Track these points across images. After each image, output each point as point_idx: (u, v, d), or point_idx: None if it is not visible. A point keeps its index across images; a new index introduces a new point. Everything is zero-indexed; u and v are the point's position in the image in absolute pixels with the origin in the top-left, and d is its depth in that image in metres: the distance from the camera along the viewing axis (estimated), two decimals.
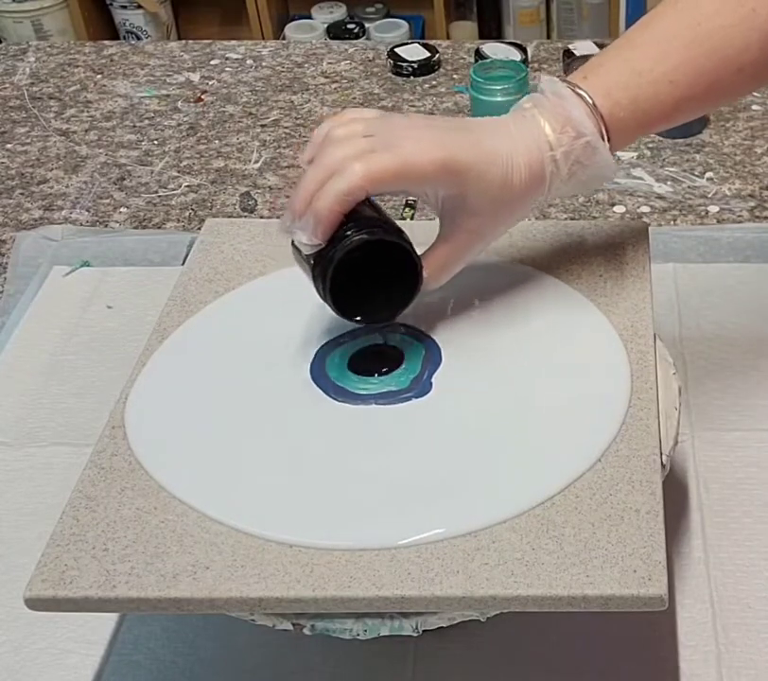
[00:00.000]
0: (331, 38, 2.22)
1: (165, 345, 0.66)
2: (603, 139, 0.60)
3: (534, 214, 0.97)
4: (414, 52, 1.19)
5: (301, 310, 0.68)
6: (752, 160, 1.03)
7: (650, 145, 1.06)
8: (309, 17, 2.31)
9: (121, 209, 1.02)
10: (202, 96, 1.20)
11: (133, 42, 1.51)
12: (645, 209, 0.97)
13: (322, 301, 0.61)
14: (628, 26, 2.43)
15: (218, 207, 1.01)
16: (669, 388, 0.62)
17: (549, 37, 2.24)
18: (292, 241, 0.61)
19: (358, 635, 0.55)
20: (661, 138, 1.06)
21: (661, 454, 0.57)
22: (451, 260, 0.62)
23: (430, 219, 0.97)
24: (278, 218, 0.99)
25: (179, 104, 1.19)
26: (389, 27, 2.26)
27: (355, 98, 1.17)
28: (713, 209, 0.96)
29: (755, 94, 1.12)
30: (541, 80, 0.62)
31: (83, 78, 1.25)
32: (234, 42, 1.31)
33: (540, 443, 0.58)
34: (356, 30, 2.25)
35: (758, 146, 1.05)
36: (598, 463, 0.56)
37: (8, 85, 1.25)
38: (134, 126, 1.15)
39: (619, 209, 0.97)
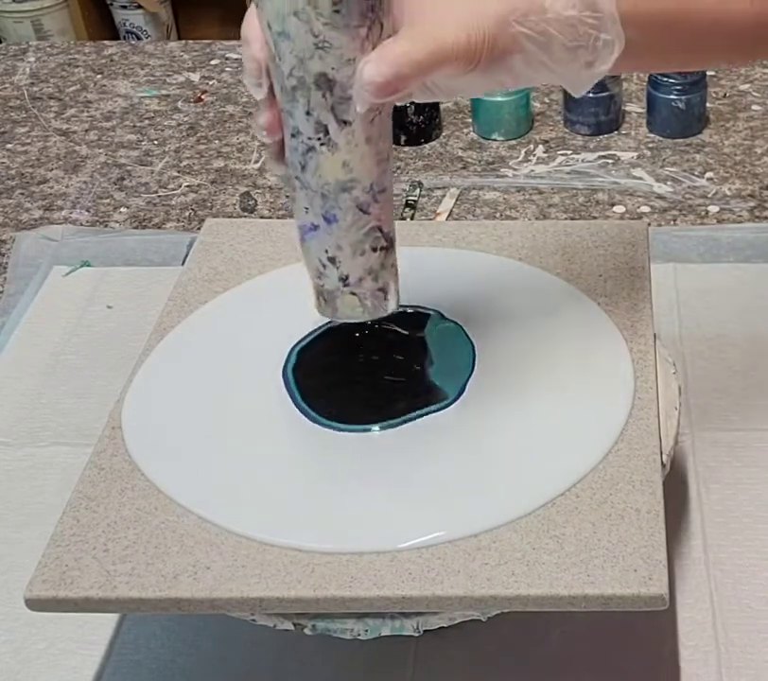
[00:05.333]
0: None
1: (163, 346, 0.66)
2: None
3: (534, 214, 0.97)
4: None
5: (300, 310, 0.68)
6: (752, 160, 1.03)
7: (650, 145, 1.06)
8: None
9: (121, 209, 1.02)
10: (202, 96, 1.20)
11: (133, 42, 1.51)
12: (645, 209, 0.97)
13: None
14: None
15: (218, 207, 1.01)
16: (669, 387, 0.62)
17: None
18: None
19: (359, 635, 0.55)
20: (661, 138, 1.06)
21: (661, 454, 0.57)
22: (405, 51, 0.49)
23: (430, 219, 0.97)
24: (278, 218, 0.99)
25: (179, 104, 1.19)
26: None
27: None
28: (713, 209, 0.96)
29: (755, 93, 1.12)
30: None
31: (83, 78, 1.25)
32: (234, 42, 1.31)
33: (542, 443, 0.58)
34: None
35: (758, 146, 1.05)
36: (598, 463, 0.56)
37: (8, 85, 1.25)
38: (134, 126, 1.15)
39: (618, 209, 0.97)
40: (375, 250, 0.55)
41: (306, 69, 0.49)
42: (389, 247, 0.55)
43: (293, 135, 0.52)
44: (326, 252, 0.54)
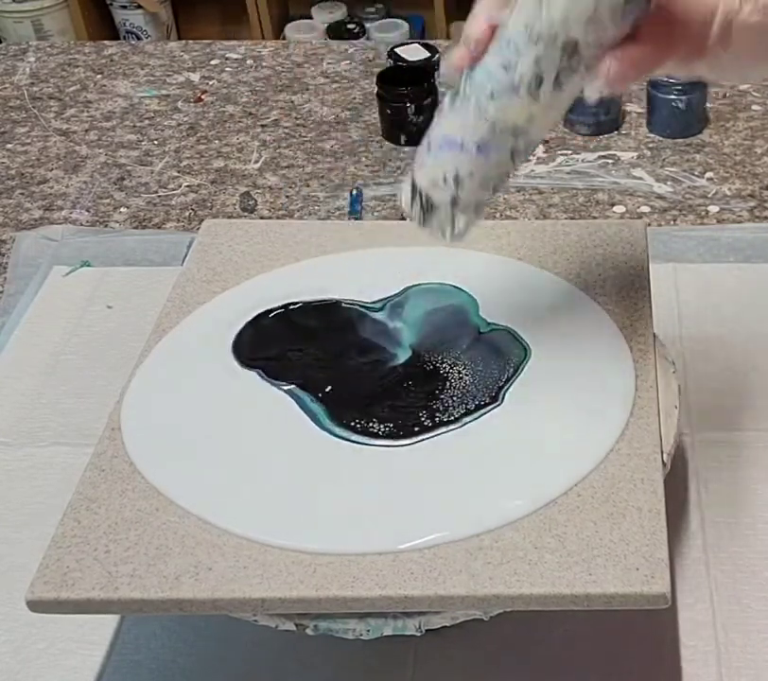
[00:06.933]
0: (331, 38, 2.22)
1: (162, 347, 0.66)
2: None
3: (534, 214, 0.97)
4: (414, 52, 1.19)
5: None
6: (752, 160, 1.03)
7: (650, 145, 1.06)
8: (309, 17, 2.31)
9: (121, 209, 1.02)
10: (202, 96, 1.20)
11: (133, 42, 1.51)
12: (645, 209, 0.97)
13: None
14: None
15: (218, 207, 1.01)
16: (668, 387, 0.62)
17: None
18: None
19: (362, 635, 0.55)
20: (661, 138, 1.06)
21: (662, 453, 0.57)
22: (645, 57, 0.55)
23: None
24: (278, 217, 0.99)
25: (179, 104, 1.19)
26: (389, 27, 2.26)
27: (355, 98, 1.17)
28: (713, 209, 0.96)
29: (755, 93, 1.12)
30: None
31: (83, 78, 1.25)
32: (234, 42, 1.31)
33: (543, 442, 0.58)
34: (356, 30, 2.25)
35: (758, 146, 1.05)
36: (600, 462, 0.56)
37: (8, 85, 1.25)
38: (134, 126, 1.15)
39: (619, 209, 0.97)
40: (494, 189, 0.58)
41: (567, 30, 0.51)
42: (498, 191, 0.58)
43: (505, 67, 0.53)
44: (457, 170, 0.56)
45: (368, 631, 0.55)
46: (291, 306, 0.68)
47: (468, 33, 0.55)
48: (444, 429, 0.59)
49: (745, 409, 0.76)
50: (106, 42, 1.36)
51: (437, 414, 0.59)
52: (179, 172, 1.07)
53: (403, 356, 0.64)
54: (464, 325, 0.65)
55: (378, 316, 0.67)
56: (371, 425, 0.59)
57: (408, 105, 1.06)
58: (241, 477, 0.58)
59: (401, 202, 0.59)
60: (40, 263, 0.95)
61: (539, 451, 0.57)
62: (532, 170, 1.03)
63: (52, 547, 0.54)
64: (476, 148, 0.55)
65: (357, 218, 0.98)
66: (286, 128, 1.13)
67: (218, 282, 0.71)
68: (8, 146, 1.13)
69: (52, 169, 1.09)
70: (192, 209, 1.01)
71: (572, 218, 0.96)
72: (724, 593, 0.64)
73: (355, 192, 1.01)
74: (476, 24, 0.55)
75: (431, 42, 1.23)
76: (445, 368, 0.62)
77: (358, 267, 0.71)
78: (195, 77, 1.24)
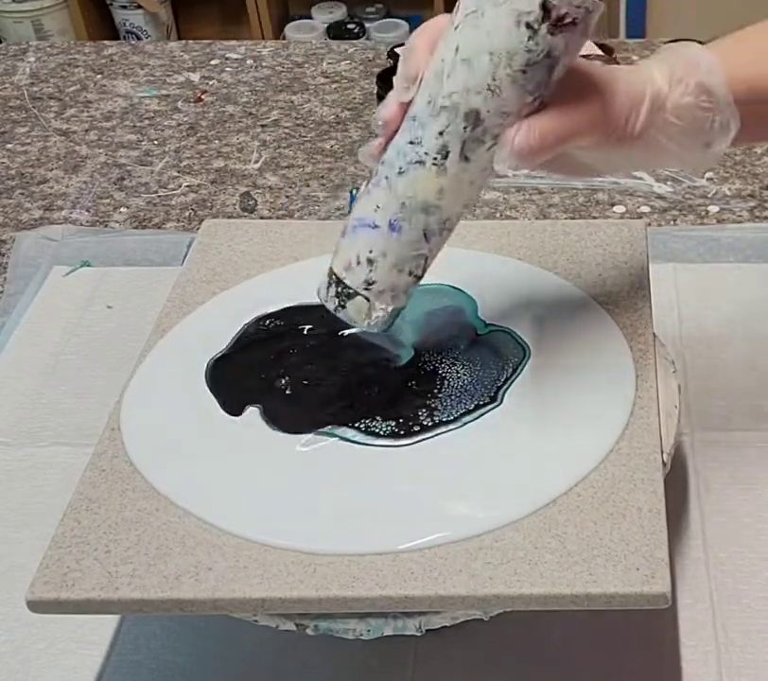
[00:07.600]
0: (331, 38, 2.22)
1: (161, 347, 0.66)
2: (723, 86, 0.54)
3: (535, 214, 0.97)
4: None
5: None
6: (752, 160, 1.03)
7: None
8: (309, 17, 2.31)
9: (121, 209, 1.02)
10: (202, 96, 1.20)
11: (133, 42, 1.51)
12: (645, 209, 0.97)
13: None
14: (628, 25, 2.42)
15: (218, 207, 1.01)
16: (668, 386, 0.62)
17: None
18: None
19: (362, 635, 0.55)
20: None
21: (662, 452, 0.57)
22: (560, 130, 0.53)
23: None
24: (278, 218, 0.99)
25: (179, 104, 1.19)
26: (389, 27, 2.26)
27: (355, 98, 1.17)
28: (713, 209, 0.96)
29: None
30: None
31: (83, 78, 1.25)
32: (234, 42, 1.31)
33: (542, 442, 0.58)
34: (356, 30, 2.25)
35: (758, 146, 1.05)
36: (600, 462, 0.56)
37: (8, 85, 1.25)
38: (134, 126, 1.15)
39: (619, 209, 0.97)
40: (410, 274, 0.56)
41: (467, 99, 0.51)
42: (419, 278, 0.57)
43: (412, 142, 0.53)
44: (370, 252, 0.55)
45: (368, 631, 0.55)
46: (291, 307, 0.68)
47: (379, 116, 0.55)
48: (443, 429, 0.59)
49: (745, 409, 0.76)
50: (106, 42, 1.36)
51: (436, 414, 0.59)
52: (179, 172, 1.07)
53: (403, 356, 0.64)
54: (464, 326, 0.65)
55: None
56: (371, 425, 0.59)
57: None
58: (241, 477, 0.57)
59: (317, 292, 0.58)
60: (40, 263, 0.95)
61: (539, 451, 0.57)
62: None
63: (52, 547, 0.54)
64: (388, 227, 0.54)
65: None
66: (286, 128, 1.13)
67: (218, 282, 0.71)
68: (8, 146, 1.13)
69: (52, 169, 1.09)
70: (192, 209, 1.01)
71: (572, 218, 0.96)
72: (724, 593, 0.64)
73: (355, 192, 1.01)
74: (386, 107, 0.55)
75: None
76: (444, 368, 0.62)
77: None
78: (195, 77, 1.24)
